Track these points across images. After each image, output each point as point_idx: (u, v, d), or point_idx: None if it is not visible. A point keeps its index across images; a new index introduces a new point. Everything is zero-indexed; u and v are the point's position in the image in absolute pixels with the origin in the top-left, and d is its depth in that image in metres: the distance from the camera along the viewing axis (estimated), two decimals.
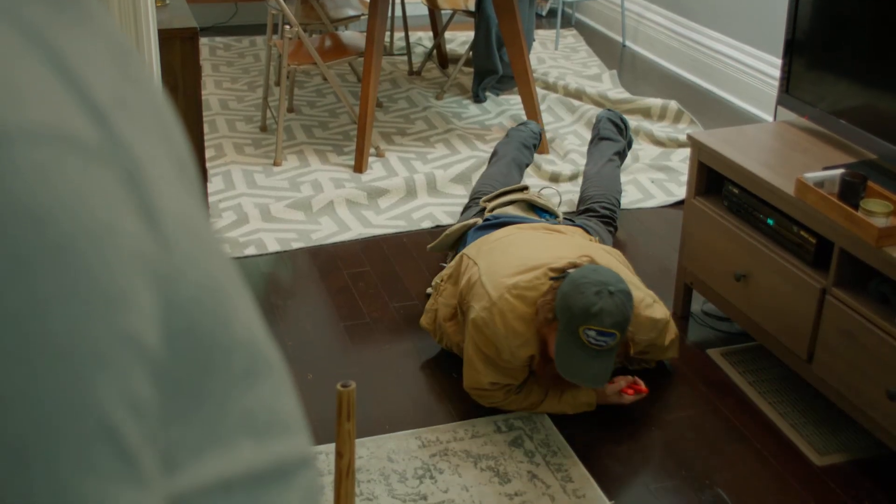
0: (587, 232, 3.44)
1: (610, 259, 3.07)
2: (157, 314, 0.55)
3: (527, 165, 4.24)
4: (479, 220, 3.45)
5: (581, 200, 3.96)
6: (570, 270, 2.85)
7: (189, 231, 0.60)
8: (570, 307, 2.74)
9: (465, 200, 4.22)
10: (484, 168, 4.45)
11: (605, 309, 2.72)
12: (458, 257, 3.26)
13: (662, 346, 3.11)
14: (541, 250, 3.02)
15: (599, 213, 3.77)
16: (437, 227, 4.11)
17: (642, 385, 2.99)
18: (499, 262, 3.03)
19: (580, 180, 4.51)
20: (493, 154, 4.20)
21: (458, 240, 3.53)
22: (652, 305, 3.04)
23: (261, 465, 0.66)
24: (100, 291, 0.50)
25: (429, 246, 3.60)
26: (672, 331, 3.13)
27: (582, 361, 2.74)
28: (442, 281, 3.27)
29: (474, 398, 3.04)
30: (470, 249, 3.22)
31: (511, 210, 3.51)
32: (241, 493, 0.65)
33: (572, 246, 3.08)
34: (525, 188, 3.67)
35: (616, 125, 4.29)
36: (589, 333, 2.72)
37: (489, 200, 3.61)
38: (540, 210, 3.55)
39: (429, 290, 3.54)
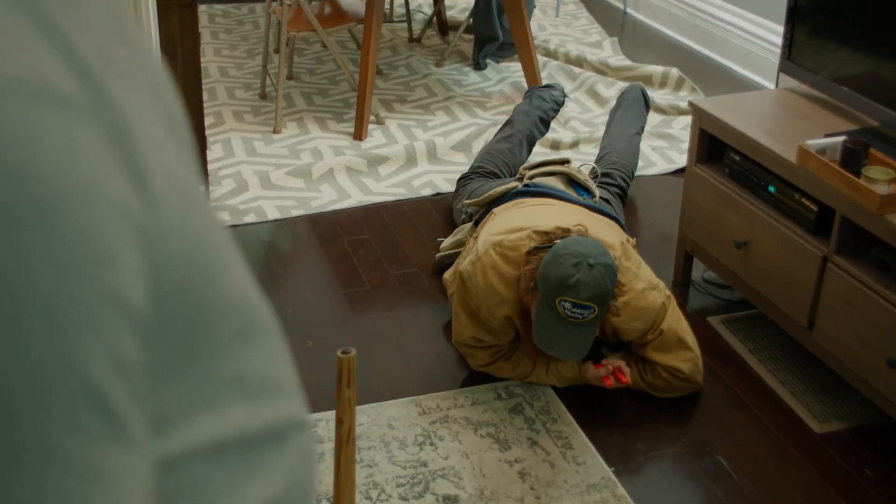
0: (620, 227, 3.29)
1: (608, 232, 2.99)
2: (145, 274, 0.54)
3: (538, 138, 4.16)
4: (519, 185, 3.36)
5: (601, 159, 3.89)
6: (556, 240, 2.82)
7: (179, 191, 0.59)
8: (547, 277, 2.72)
9: (465, 168, 4.21)
10: (493, 132, 4.41)
11: (582, 281, 2.68)
12: (489, 216, 3.24)
13: (663, 346, 2.94)
14: (542, 216, 3.00)
15: (617, 182, 3.70)
16: (437, 194, 4.10)
17: (626, 376, 2.89)
18: (502, 223, 3.02)
19: (581, 148, 4.50)
20: (508, 122, 4.09)
21: (494, 201, 3.40)
22: (644, 292, 2.89)
23: (254, 428, 0.66)
24: (86, 249, 0.49)
25: (466, 201, 3.47)
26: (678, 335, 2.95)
27: (558, 333, 2.72)
28: (471, 238, 3.27)
29: (463, 356, 3.06)
30: (499, 208, 3.22)
31: (550, 181, 3.41)
32: (233, 456, 0.64)
33: (577, 216, 3.04)
34: (566, 161, 3.54)
35: (646, 102, 4.25)
36: (565, 305, 2.68)
37: (528, 169, 3.51)
38: (578, 186, 3.44)
39: (438, 255, 3.53)
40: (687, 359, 2.92)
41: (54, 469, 0.48)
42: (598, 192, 3.43)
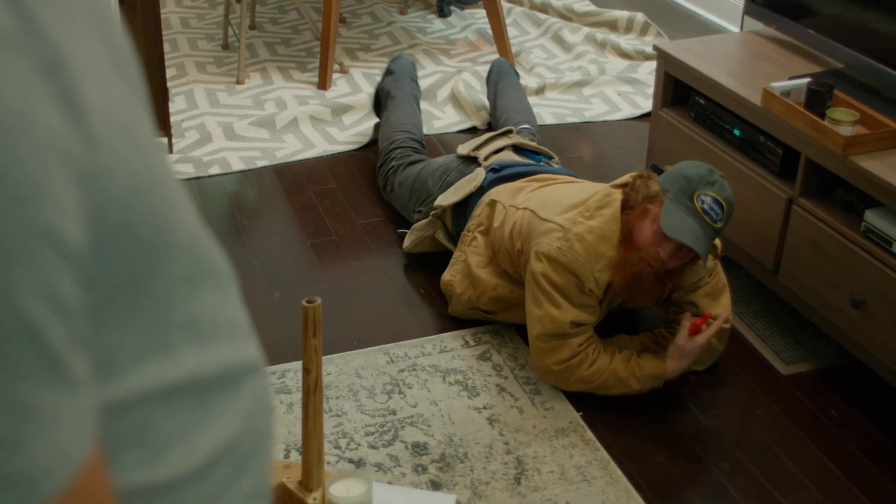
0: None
1: None
2: (82, 211, 0.52)
3: (419, 97, 4.02)
4: (484, 173, 3.18)
5: (507, 124, 3.75)
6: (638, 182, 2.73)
7: (122, 130, 0.57)
8: (685, 175, 2.62)
9: (438, 114, 4.18)
10: (458, 80, 4.36)
11: (720, 181, 2.63)
12: (484, 206, 3.06)
13: (712, 291, 2.86)
14: (571, 192, 2.88)
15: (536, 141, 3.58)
16: None
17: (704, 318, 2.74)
18: (551, 201, 2.85)
19: (547, 94, 4.49)
20: (387, 96, 3.91)
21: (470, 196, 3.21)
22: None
23: (206, 371, 0.65)
24: (10, 182, 0.47)
25: (438, 203, 3.18)
26: (722, 281, 2.89)
27: (688, 225, 2.59)
28: (468, 231, 3.08)
29: (538, 368, 2.79)
30: (499, 195, 3.03)
31: (506, 156, 3.29)
32: (185, 400, 0.63)
33: (584, 185, 2.97)
34: (510, 131, 3.45)
35: (515, 71, 4.15)
36: (704, 199, 2.59)
37: (477, 149, 3.33)
38: (531, 153, 3.36)
39: (400, 230, 3.45)
40: (727, 305, 2.86)
41: None
42: (553, 153, 3.40)
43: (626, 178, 2.79)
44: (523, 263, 2.83)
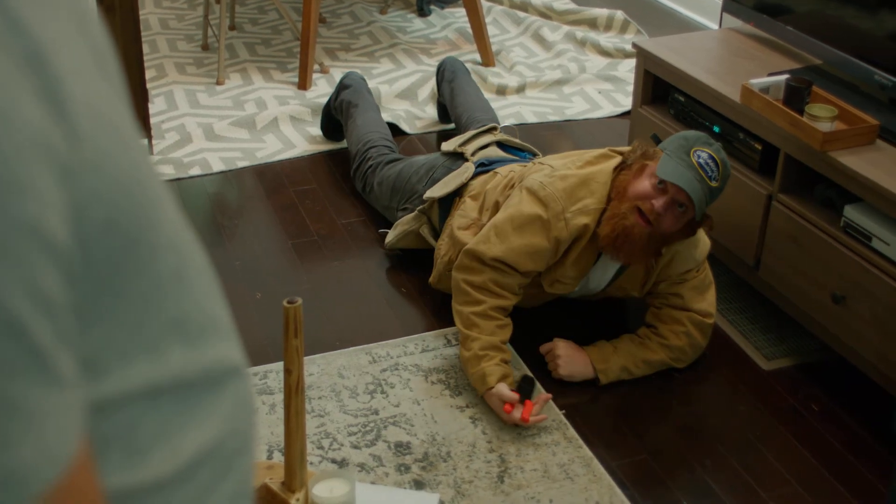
0: None
1: None
2: (67, 207, 0.52)
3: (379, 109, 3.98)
4: (473, 167, 3.17)
5: (467, 125, 3.70)
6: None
7: (107, 126, 0.57)
8: (684, 135, 2.66)
9: (419, 113, 4.18)
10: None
11: (716, 145, 2.66)
12: (481, 178, 3.09)
13: (695, 289, 2.87)
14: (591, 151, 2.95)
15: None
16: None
17: (530, 416, 2.62)
18: (553, 156, 2.95)
19: (527, 92, 4.49)
20: (349, 106, 3.84)
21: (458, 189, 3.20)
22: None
23: (190, 371, 0.65)
24: None
25: (428, 196, 3.17)
26: (709, 279, 2.92)
27: (685, 174, 2.61)
28: (459, 198, 3.11)
29: (453, 271, 2.82)
30: (500, 170, 3.08)
31: (492, 152, 3.30)
32: (169, 400, 0.63)
33: None
34: (494, 128, 3.46)
35: (465, 68, 4.11)
36: (700, 154, 2.61)
37: (463, 145, 3.33)
38: (515, 150, 3.37)
39: (381, 230, 3.44)
40: (712, 302, 2.89)
41: None
42: (536, 150, 3.41)
43: (626, 147, 2.83)
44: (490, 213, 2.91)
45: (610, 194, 2.72)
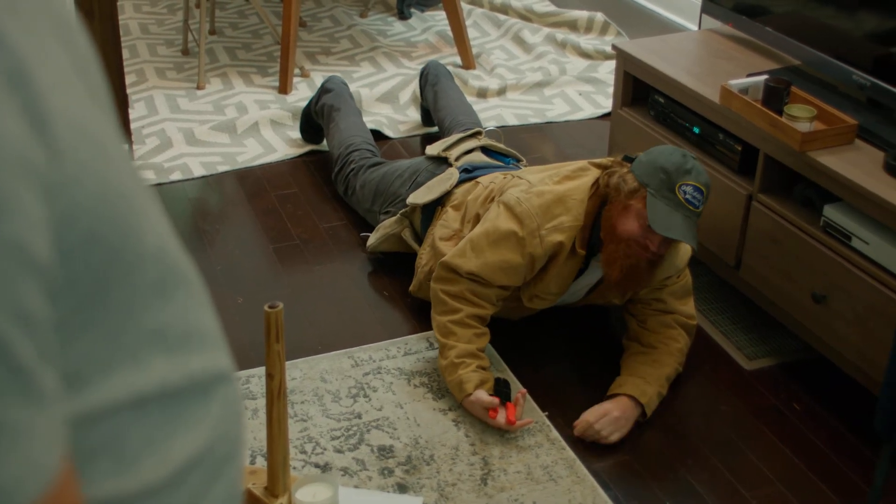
0: None
1: None
2: (49, 224, 0.52)
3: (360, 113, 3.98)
4: (457, 174, 3.18)
5: (451, 129, 3.69)
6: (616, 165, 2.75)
7: (88, 139, 0.57)
8: (662, 167, 2.63)
9: (398, 117, 4.18)
10: (417, 83, 4.30)
11: (696, 166, 2.64)
12: (463, 187, 3.09)
13: (677, 293, 2.89)
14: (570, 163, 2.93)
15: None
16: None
17: (515, 418, 2.65)
18: (532, 169, 2.95)
19: (508, 95, 4.50)
20: (331, 109, 3.83)
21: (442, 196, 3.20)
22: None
23: (175, 380, 0.65)
24: None
25: (411, 201, 3.17)
26: (688, 283, 2.93)
27: (676, 219, 2.61)
28: (442, 207, 3.11)
29: (431, 282, 2.83)
30: (482, 179, 3.08)
31: (476, 157, 3.29)
32: (155, 410, 0.63)
33: None
34: (479, 133, 3.45)
35: (448, 71, 4.12)
36: (686, 189, 2.60)
37: (447, 150, 3.33)
38: (499, 155, 3.37)
39: (363, 234, 3.44)
40: (692, 307, 2.90)
41: None
42: (521, 156, 3.41)
43: (604, 160, 2.82)
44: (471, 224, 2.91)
45: (594, 222, 2.72)
